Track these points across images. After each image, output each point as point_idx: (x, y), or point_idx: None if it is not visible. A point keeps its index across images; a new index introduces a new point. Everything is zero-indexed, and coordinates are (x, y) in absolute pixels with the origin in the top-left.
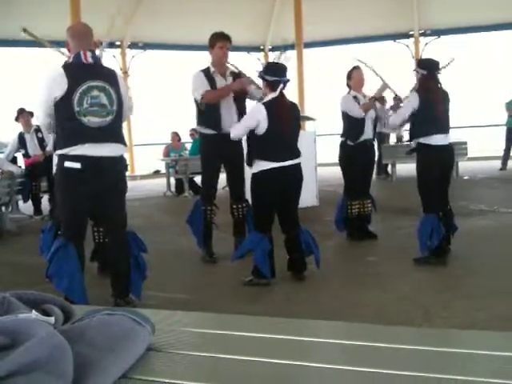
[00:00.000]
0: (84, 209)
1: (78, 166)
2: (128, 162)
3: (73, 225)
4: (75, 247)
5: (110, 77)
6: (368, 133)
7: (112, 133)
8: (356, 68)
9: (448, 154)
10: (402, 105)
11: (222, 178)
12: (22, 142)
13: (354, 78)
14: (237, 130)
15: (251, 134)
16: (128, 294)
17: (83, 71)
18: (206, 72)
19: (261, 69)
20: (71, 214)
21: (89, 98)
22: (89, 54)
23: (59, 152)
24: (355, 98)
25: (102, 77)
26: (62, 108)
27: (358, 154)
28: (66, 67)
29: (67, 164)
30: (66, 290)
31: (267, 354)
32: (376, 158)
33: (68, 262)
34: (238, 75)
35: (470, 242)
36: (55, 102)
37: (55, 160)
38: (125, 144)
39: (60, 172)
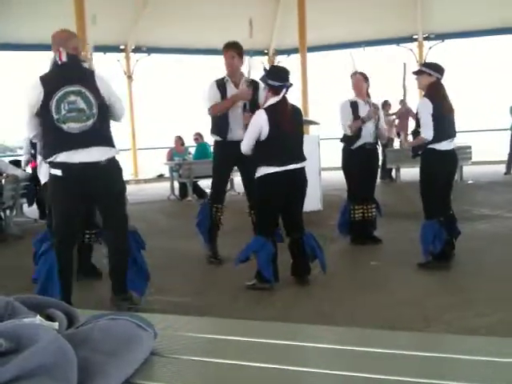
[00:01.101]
0: (73, 214)
1: (59, 173)
2: (121, 165)
3: (62, 229)
4: (60, 251)
5: (86, 78)
6: (367, 136)
7: (95, 136)
8: (353, 74)
9: (453, 159)
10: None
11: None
12: (32, 143)
13: (352, 83)
14: (245, 145)
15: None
16: (124, 290)
17: (58, 77)
18: (220, 81)
19: (264, 73)
20: (61, 218)
21: (66, 104)
22: (64, 53)
23: (47, 160)
24: (354, 103)
25: (77, 80)
26: (43, 117)
27: (357, 158)
28: (42, 76)
29: (52, 171)
30: (41, 284)
31: (269, 359)
32: (380, 162)
33: (49, 265)
34: (253, 83)
35: (473, 247)
36: (37, 112)
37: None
38: (113, 146)
39: (49, 178)
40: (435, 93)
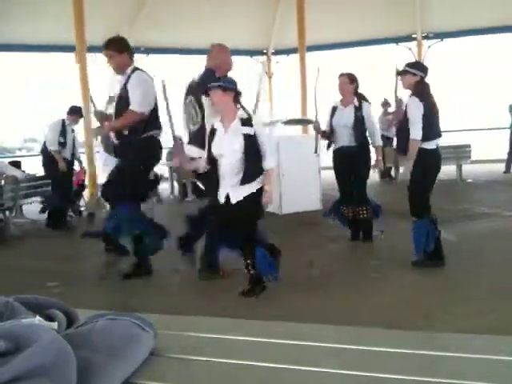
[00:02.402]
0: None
1: None
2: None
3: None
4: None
5: (198, 91)
6: (344, 140)
7: (198, 139)
8: (340, 75)
9: (439, 157)
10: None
11: None
12: (63, 129)
13: (338, 86)
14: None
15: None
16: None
17: (192, 87)
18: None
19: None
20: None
21: (189, 109)
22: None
23: None
24: (334, 108)
25: (196, 92)
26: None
27: (335, 160)
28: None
29: None
30: None
31: (268, 358)
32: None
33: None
34: None
35: (473, 245)
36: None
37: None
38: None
39: None
40: (422, 91)
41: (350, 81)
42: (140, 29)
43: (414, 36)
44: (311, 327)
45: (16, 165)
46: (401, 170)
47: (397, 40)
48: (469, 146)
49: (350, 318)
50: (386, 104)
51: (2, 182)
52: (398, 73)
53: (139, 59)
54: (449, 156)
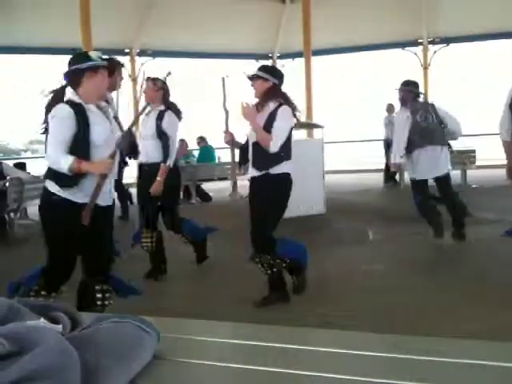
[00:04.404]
0: None
1: None
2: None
3: None
4: None
5: None
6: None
7: None
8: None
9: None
10: None
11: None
12: None
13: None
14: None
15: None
16: None
17: None
18: None
19: None
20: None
21: None
22: None
23: None
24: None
25: None
26: None
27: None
28: None
29: None
30: None
31: (268, 362)
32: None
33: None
34: None
35: (477, 251)
36: None
37: None
38: None
39: None
40: (286, 102)
41: (154, 86)
42: (147, 32)
43: (420, 41)
44: (309, 331)
45: (21, 166)
46: (405, 174)
47: (403, 45)
48: (473, 152)
49: (352, 322)
50: (391, 109)
51: (7, 183)
52: (249, 77)
53: (146, 62)
54: (454, 161)
